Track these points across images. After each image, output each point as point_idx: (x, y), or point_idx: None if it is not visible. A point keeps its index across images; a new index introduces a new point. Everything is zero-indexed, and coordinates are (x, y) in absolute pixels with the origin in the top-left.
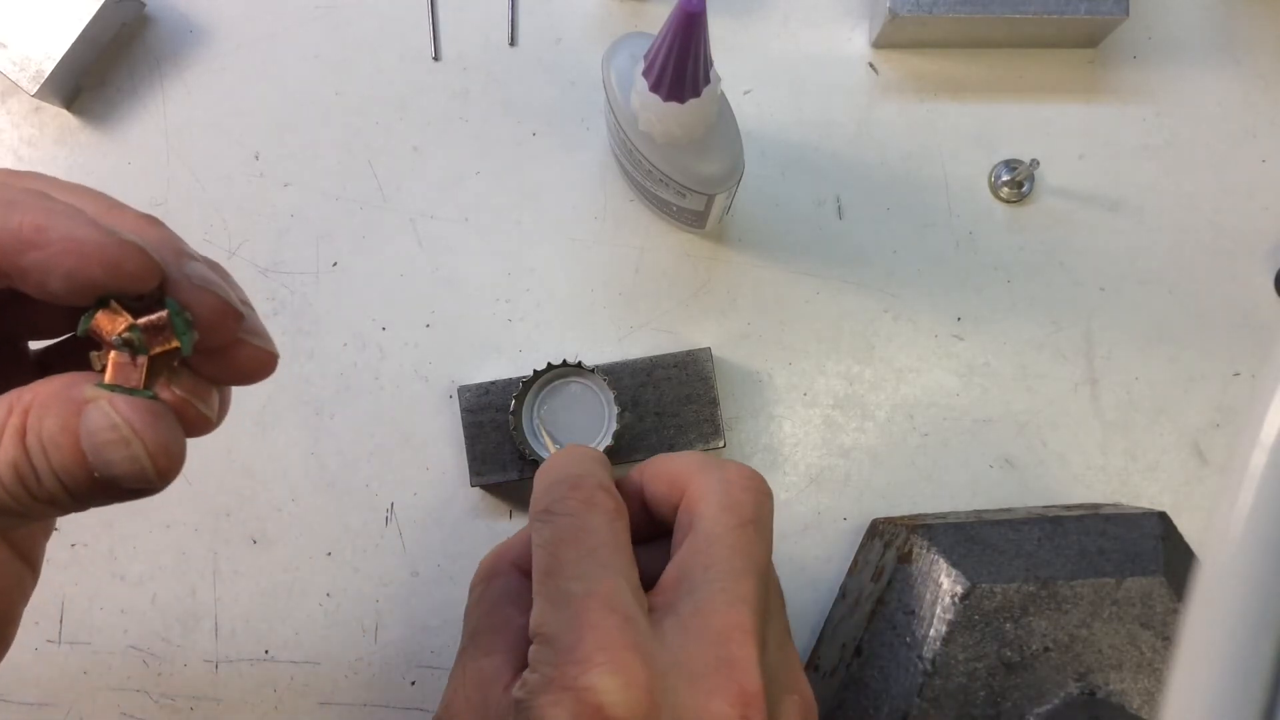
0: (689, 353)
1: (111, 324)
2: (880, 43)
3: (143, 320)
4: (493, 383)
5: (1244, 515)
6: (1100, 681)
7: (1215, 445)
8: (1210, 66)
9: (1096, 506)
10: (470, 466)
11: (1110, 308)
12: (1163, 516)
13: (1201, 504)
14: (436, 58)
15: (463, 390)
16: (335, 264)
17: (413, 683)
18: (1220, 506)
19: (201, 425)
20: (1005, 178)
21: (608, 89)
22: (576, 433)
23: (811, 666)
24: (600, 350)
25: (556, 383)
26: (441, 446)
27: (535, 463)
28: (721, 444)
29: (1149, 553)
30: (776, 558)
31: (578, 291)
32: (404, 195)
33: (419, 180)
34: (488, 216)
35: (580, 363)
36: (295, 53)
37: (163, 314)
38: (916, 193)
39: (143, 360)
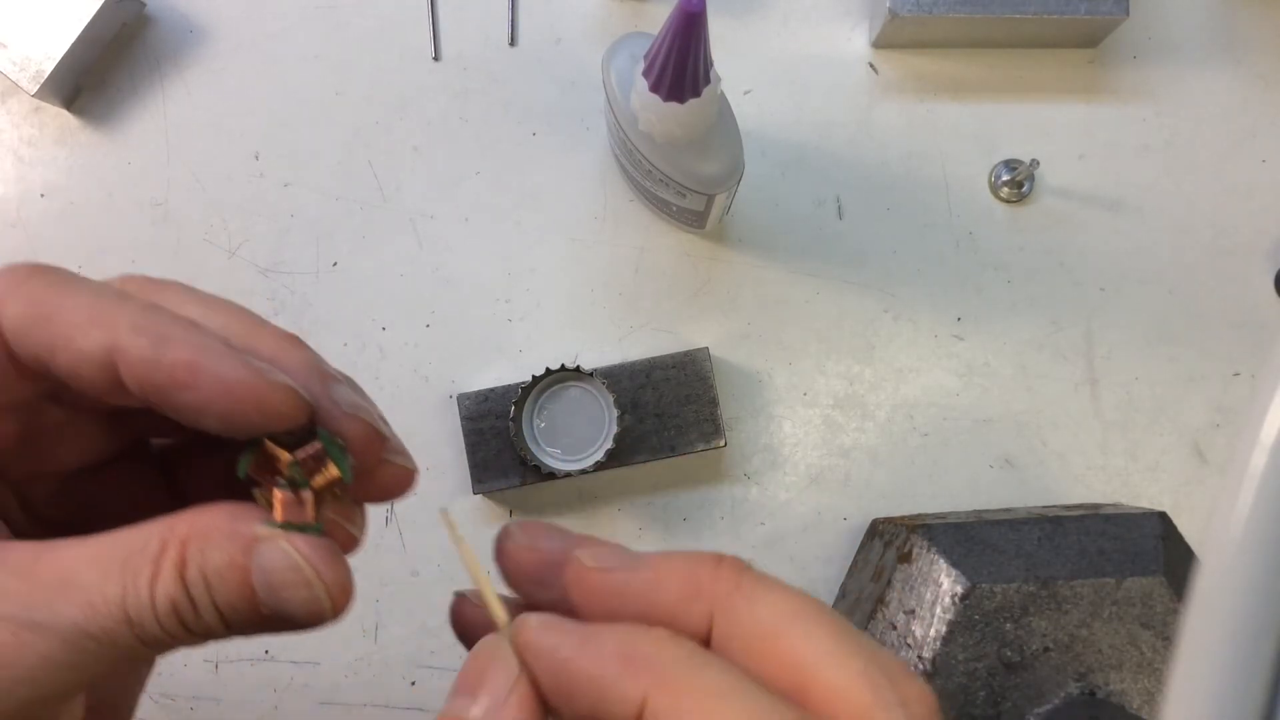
0: (687, 353)
1: (269, 463)
2: (880, 43)
3: (300, 455)
4: (492, 389)
5: (1244, 515)
6: (1100, 681)
7: (1215, 445)
8: (1210, 66)
9: (1096, 506)
10: (472, 475)
11: (1110, 308)
12: (1163, 516)
13: (1201, 504)
14: (436, 58)
15: (462, 398)
16: (335, 264)
17: (413, 683)
18: (1220, 506)
19: (350, 546)
20: (1005, 178)
21: (608, 89)
22: (577, 437)
23: None
24: (600, 350)
25: (555, 388)
26: (441, 446)
27: (536, 468)
28: (722, 443)
29: (1149, 553)
30: (777, 557)
31: (578, 291)
32: (404, 195)
33: (419, 180)
34: (488, 216)
35: (579, 367)
36: (295, 53)
37: (318, 446)
38: (916, 193)
39: (307, 495)
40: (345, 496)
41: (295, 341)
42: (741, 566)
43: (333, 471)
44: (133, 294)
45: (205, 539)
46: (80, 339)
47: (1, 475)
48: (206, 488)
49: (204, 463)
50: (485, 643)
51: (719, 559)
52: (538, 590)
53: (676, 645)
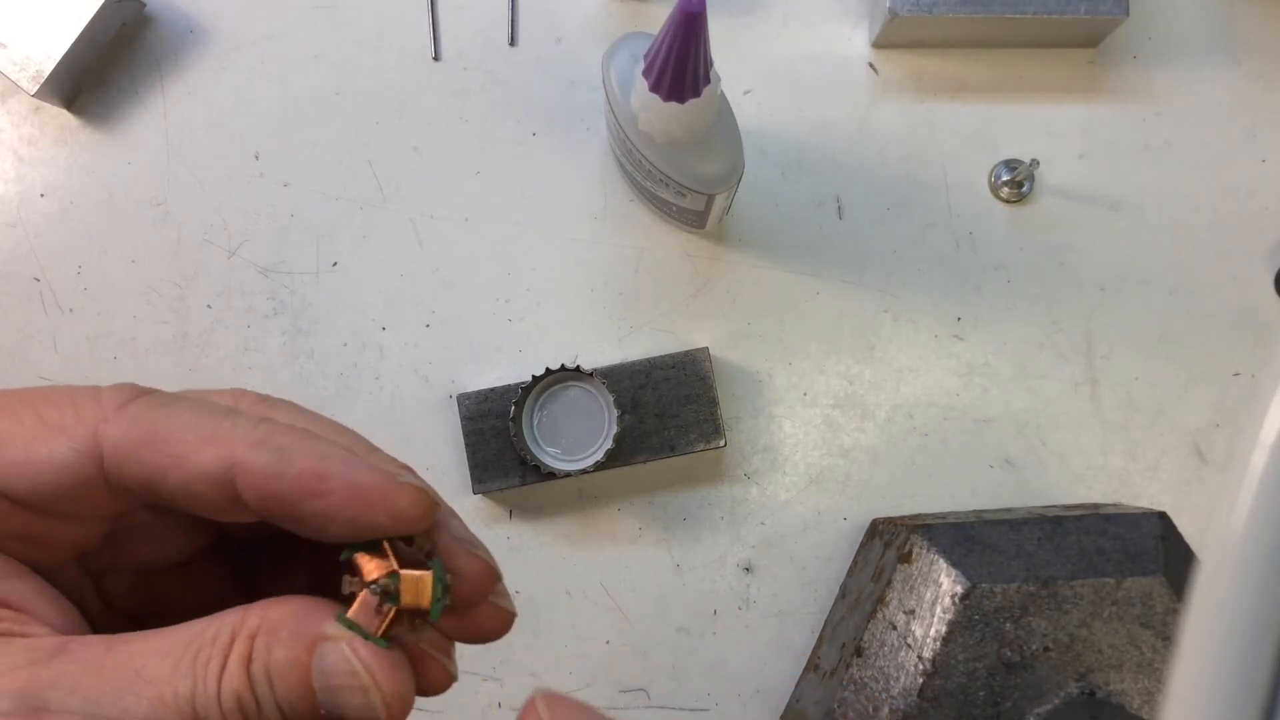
0: (687, 353)
1: (373, 564)
2: (880, 43)
3: (406, 572)
4: (491, 389)
5: (1244, 515)
6: (1100, 681)
7: (1215, 445)
8: (1210, 66)
9: (1096, 506)
10: (472, 474)
11: (1110, 308)
12: (1163, 516)
13: (1201, 504)
14: (436, 58)
15: (462, 398)
16: (335, 264)
17: None
18: (1220, 506)
19: (444, 681)
20: (1005, 178)
21: (608, 89)
22: (577, 437)
23: (811, 666)
24: (600, 350)
25: (555, 388)
26: (441, 446)
27: (536, 468)
28: (722, 443)
29: (1149, 553)
30: (777, 557)
31: (578, 291)
32: (404, 195)
33: (419, 180)
34: (488, 216)
35: (579, 366)
36: (295, 53)
37: (427, 574)
38: (916, 193)
39: (389, 609)
40: (424, 629)
41: (409, 467)
42: None
43: (424, 601)
44: (243, 410)
45: (272, 634)
46: (195, 458)
47: (82, 568)
48: (281, 587)
49: (280, 562)
50: None
51: None
52: None
53: None
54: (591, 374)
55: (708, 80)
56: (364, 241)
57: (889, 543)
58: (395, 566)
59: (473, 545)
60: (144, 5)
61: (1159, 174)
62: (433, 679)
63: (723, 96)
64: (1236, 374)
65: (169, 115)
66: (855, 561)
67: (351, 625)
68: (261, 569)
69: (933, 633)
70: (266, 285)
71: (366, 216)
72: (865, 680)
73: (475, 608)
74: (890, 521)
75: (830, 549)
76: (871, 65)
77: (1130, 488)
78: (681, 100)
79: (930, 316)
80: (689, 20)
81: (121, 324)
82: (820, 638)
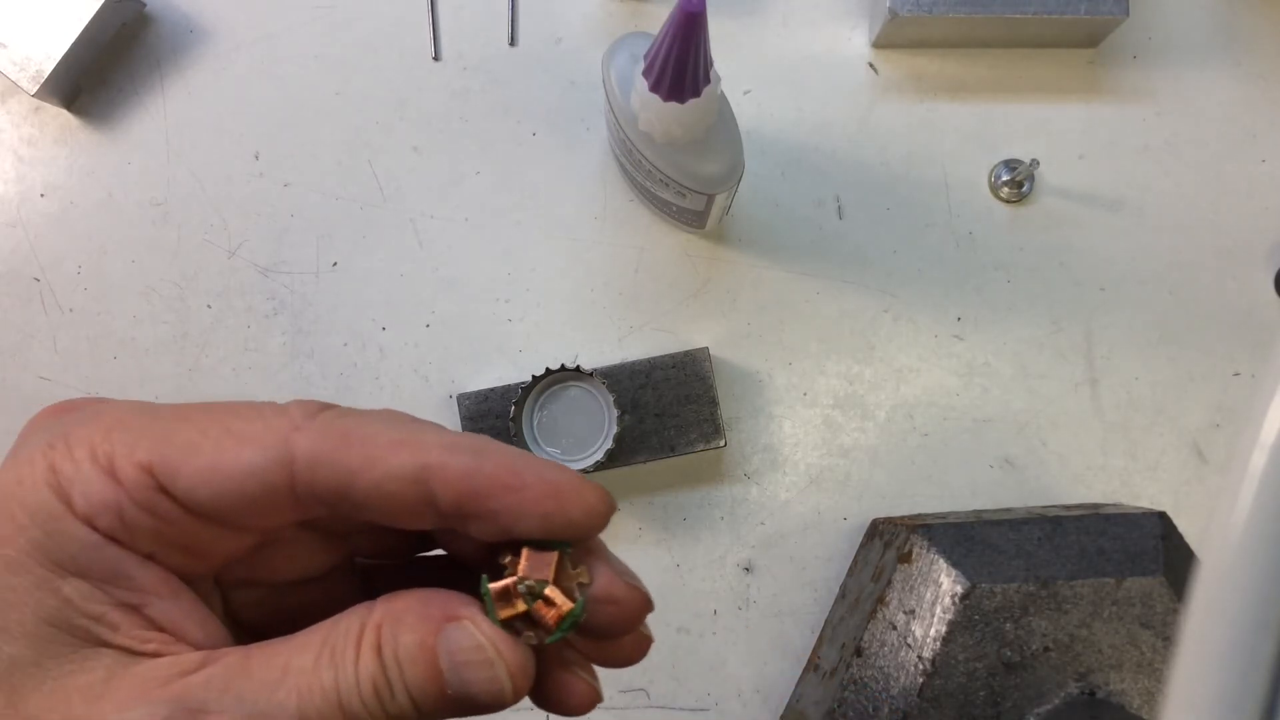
0: (687, 353)
1: (536, 564)
2: (880, 43)
3: (552, 589)
4: (491, 389)
5: (1244, 515)
6: (1100, 681)
7: (1215, 445)
8: (1210, 66)
9: (1096, 506)
10: None
11: (1110, 308)
12: (1163, 516)
13: (1201, 504)
14: (436, 58)
15: (462, 398)
16: (335, 264)
17: None
18: (1220, 506)
19: (591, 698)
20: (1005, 178)
21: (608, 89)
22: (577, 437)
23: (811, 666)
24: (600, 350)
25: (555, 388)
26: None
27: None
28: (722, 443)
29: (1149, 553)
30: (777, 557)
31: (578, 291)
32: (404, 195)
33: (419, 180)
34: (488, 216)
35: (579, 366)
36: (295, 53)
37: (569, 605)
38: (916, 193)
39: (522, 608)
40: (532, 640)
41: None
42: None
43: (550, 621)
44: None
45: (399, 621)
46: (390, 459)
47: (215, 579)
48: None
49: (403, 583)
50: None
51: None
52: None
53: None
54: (591, 374)
55: (708, 80)
56: (364, 241)
57: (889, 543)
58: (550, 578)
59: (631, 577)
60: (144, 5)
61: (1159, 174)
62: (579, 695)
63: (723, 96)
64: (1236, 374)
65: (169, 115)
66: (855, 561)
67: (486, 592)
68: (382, 592)
69: (933, 633)
70: (266, 285)
71: (366, 216)
72: (865, 680)
73: (624, 636)
74: (890, 521)
75: (830, 549)
76: (871, 65)
77: (1130, 488)
78: (681, 100)
79: (930, 316)
80: (689, 20)
81: (121, 324)
82: (820, 638)
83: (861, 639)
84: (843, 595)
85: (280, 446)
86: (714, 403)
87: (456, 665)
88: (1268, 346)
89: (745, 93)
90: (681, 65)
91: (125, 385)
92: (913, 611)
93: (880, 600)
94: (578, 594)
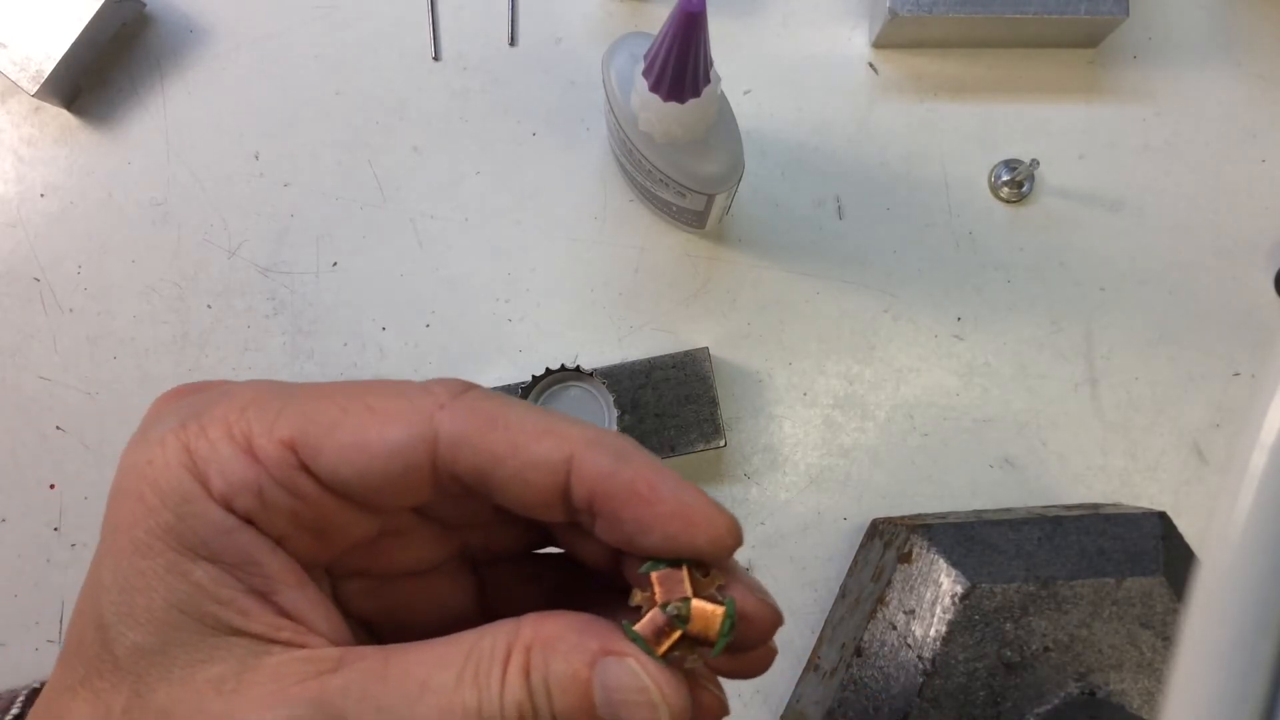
0: (687, 353)
1: (669, 586)
2: (880, 43)
3: (698, 602)
4: (492, 390)
5: (1244, 515)
6: (1100, 681)
7: (1215, 445)
8: (1210, 66)
9: (1096, 506)
10: None
11: (1110, 308)
12: (1163, 516)
13: (1201, 504)
14: (436, 58)
15: None
16: (335, 264)
17: None
18: (1220, 506)
19: (719, 710)
20: (1005, 178)
21: (608, 89)
22: None
23: (811, 666)
24: (600, 350)
25: (555, 388)
26: None
27: None
28: (722, 443)
29: (1149, 553)
30: (777, 557)
31: (578, 291)
32: (404, 195)
33: (419, 180)
34: (487, 216)
35: (579, 366)
36: (295, 53)
37: (719, 609)
38: (916, 193)
39: (676, 632)
40: (697, 660)
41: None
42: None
43: (711, 633)
44: None
45: (550, 647)
46: (535, 446)
47: (327, 569)
48: (512, 607)
49: (513, 583)
50: None
51: None
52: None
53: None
54: (591, 374)
55: (708, 80)
56: (364, 241)
57: (889, 543)
58: (690, 593)
59: (761, 591)
60: (144, 5)
61: (1159, 174)
62: (707, 709)
63: (723, 96)
64: (1236, 374)
65: (169, 115)
66: (855, 561)
67: (636, 638)
68: (492, 588)
69: (933, 633)
70: (266, 285)
71: (366, 216)
72: (865, 680)
73: (752, 649)
74: (890, 521)
75: (830, 549)
76: (871, 65)
77: (1130, 488)
78: (681, 100)
79: (930, 316)
80: (689, 20)
81: (121, 324)
82: (820, 638)
83: (861, 639)
84: (843, 595)
85: (425, 425)
86: (714, 403)
87: (614, 703)
88: (1268, 346)
89: (745, 93)
90: (681, 65)
91: (125, 385)
92: (913, 611)
93: (880, 600)
94: (720, 597)
